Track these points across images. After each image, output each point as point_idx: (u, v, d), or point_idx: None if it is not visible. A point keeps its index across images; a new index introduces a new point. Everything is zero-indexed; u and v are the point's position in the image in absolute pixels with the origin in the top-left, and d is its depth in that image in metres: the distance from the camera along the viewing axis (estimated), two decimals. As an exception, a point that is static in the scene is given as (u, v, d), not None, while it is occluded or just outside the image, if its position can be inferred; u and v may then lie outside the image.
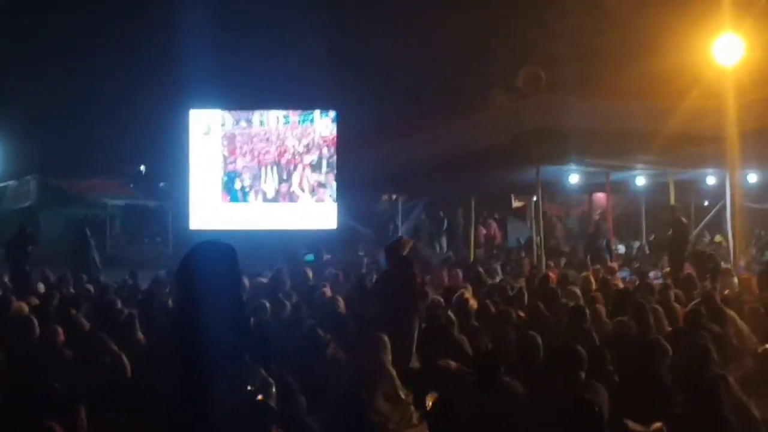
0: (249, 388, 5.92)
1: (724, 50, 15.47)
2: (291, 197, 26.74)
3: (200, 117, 26.96)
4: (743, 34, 15.48)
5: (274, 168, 26.85)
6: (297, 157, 26.83)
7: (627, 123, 20.66)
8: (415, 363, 11.91)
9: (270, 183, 26.76)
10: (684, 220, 23.58)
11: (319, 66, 30.24)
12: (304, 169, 26.79)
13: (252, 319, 8.47)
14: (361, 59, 33.17)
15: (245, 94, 29.01)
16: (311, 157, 26.82)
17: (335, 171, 26.84)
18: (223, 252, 5.81)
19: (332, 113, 26.96)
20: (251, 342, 6.00)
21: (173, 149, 27.60)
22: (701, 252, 22.18)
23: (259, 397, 6.62)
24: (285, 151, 26.85)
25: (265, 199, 26.75)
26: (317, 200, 26.69)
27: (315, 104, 27.26)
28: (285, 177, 26.80)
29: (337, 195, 26.61)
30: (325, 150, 26.85)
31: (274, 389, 8.01)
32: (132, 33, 36.33)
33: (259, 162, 26.87)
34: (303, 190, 26.73)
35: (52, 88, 36.48)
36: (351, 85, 30.35)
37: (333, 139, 26.80)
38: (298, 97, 28.53)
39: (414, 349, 12.18)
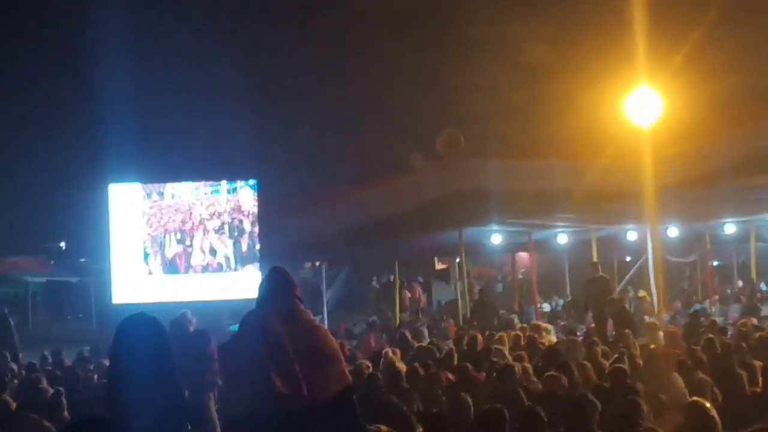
0: None
1: (639, 106, 15.69)
2: (215, 268, 26.59)
3: (119, 191, 26.79)
4: (659, 90, 15.73)
5: (177, 234, 26.71)
6: (202, 223, 26.70)
7: (547, 181, 20.90)
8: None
9: (171, 249, 26.60)
10: (604, 276, 23.86)
11: (240, 135, 30.25)
12: (206, 233, 26.64)
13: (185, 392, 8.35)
14: (282, 126, 33.25)
15: (164, 166, 28.95)
16: (215, 223, 26.71)
17: (255, 239, 26.75)
18: (146, 324, 5.77)
19: (252, 182, 26.92)
20: (185, 415, 5.92)
21: (93, 224, 27.36)
22: (621, 307, 22.42)
23: None
24: (189, 219, 26.73)
25: (189, 271, 26.56)
26: (239, 269, 26.55)
27: (235, 173, 27.21)
28: (187, 242, 26.63)
29: (260, 263, 26.49)
30: (244, 218, 26.76)
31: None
32: (50, 109, 36.11)
33: (165, 230, 26.72)
34: (225, 259, 26.60)
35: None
36: (272, 153, 30.39)
37: (253, 208, 26.73)
38: (219, 167, 28.48)
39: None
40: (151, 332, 5.72)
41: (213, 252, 26.38)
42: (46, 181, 36.21)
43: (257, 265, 26.46)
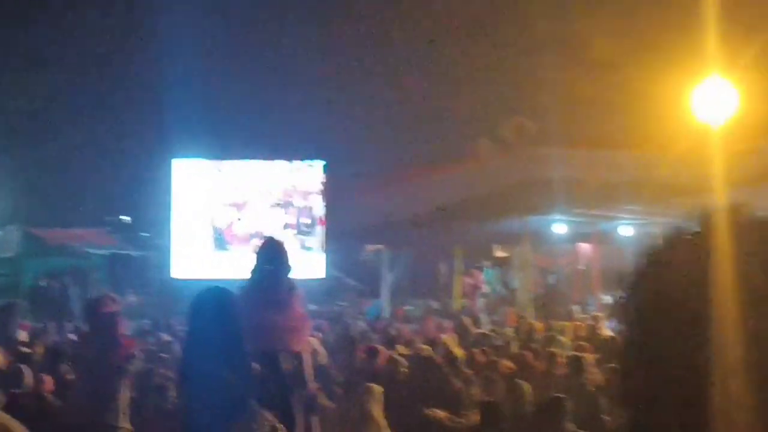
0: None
1: (710, 99, 15.48)
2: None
3: (182, 166, 26.97)
4: (733, 82, 15.51)
5: (237, 210, 26.81)
6: (275, 206, 26.79)
7: (613, 172, 20.74)
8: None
9: (231, 226, 26.75)
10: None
11: (309, 114, 30.33)
12: (268, 212, 26.71)
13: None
14: (350, 109, 33.25)
15: (230, 143, 29.04)
16: (292, 206, 26.80)
17: (321, 220, 26.83)
18: (215, 295, 5.83)
19: (321, 163, 26.99)
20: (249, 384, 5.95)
21: (156, 199, 27.60)
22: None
23: None
24: (262, 200, 26.83)
25: (246, 246, 26.66)
26: (304, 248, 26.61)
27: (303, 153, 27.31)
28: (246, 220, 26.74)
29: (325, 244, 26.58)
30: (311, 199, 26.85)
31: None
32: (114, 83, 36.36)
33: (225, 207, 26.84)
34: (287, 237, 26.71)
35: (34, 137, 36.47)
36: (339, 135, 30.43)
37: (320, 188, 26.81)
38: (286, 145, 28.57)
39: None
40: (225, 304, 5.78)
41: (275, 231, 26.48)
42: (110, 155, 36.49)
43: (321, 244, 26.55)
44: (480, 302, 29.82)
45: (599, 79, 26.67)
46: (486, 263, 33.48)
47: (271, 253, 8.59)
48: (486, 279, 32.62)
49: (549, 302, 27.54)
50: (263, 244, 9.02)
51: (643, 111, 22.26)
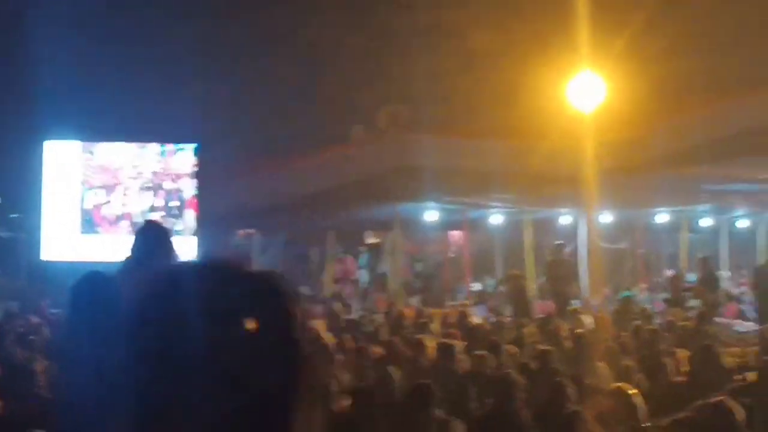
0: None
1: (581, 91, 15.70)
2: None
3: (54, 148, 26.44)
4: (602, 75, 15.77)
5: (106, 192, 26.44)
6: (133, 183, 26.44)
7: (485, 161, 20.93)
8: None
9: (100, 207, 26.36)
10: (568, 258, 24.02)
11: (183, 97, 29.92)
12: (136, 193, 26.40)
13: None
14: (224, 93, 32.92)
15: (102, 125, 28.53)
16: (161, 189, 26.45)
17: (192, 204, 26.53)
18: (103, 285, 5.70)
19: (192, 146, 26.67)
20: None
21: (27, 180, 27.03)
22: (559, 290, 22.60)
23: None
24: (132, 182, 26.46)
25: (117, 230, 26.29)
26: (173, 232, 26.24)
27: (175, 136, 26.97)
28: (115, 202, 26.38)
29: (196, 228, 26.29)
30: (181, 182, 26.52)
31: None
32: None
33: (93, 188, 26.43)
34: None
35: None
36: (213, 118, 30.09)
37: (192, 171, 26.49)
38: (158, 128, 28.17)
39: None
40: (110, 294, 5.64)
41: (143, 214, 26.13)
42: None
43: (191, 228, 26.29)
44: (351, 289, 29.90)
45: (475, 69, 26.91)
46: (361, 249, 33.60)
47: (150, 237, 8.22)
48: (360, 265, 32.74)
49: (419, 289, 27.78)
50: (141, 227, 8.63)
51: (516, 102, 22.53)
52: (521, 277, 23.85)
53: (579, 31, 16.04)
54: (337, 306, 20.86)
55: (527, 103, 20.76)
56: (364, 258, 33.26)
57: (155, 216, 25.40)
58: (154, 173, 26.48)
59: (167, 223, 26.09)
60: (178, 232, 26.10)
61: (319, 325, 15.58)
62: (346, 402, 9.87)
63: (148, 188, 26.49)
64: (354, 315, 20.07)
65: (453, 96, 26.48)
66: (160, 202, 26.44)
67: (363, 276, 32.90)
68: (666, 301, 24.62)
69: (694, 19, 24.17)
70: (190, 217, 26.42)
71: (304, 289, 27.93)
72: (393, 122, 23.16)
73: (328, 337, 14.41)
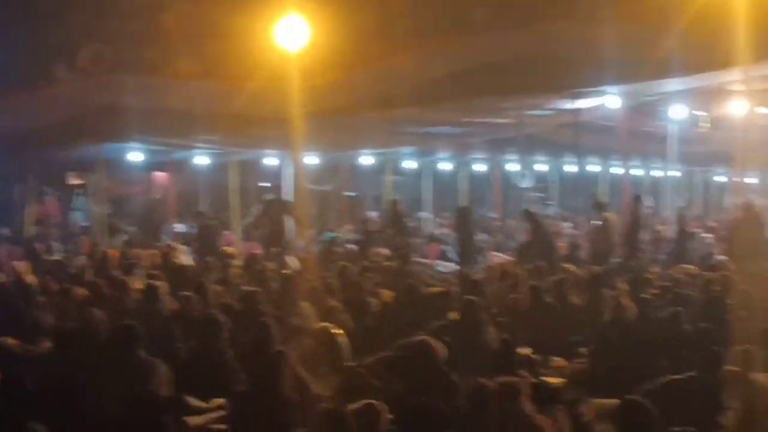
0: None
1: (287, 33, 15.79)
2: None
3: None
4: (307, 17, 15.89)
5: None
6: None
7: (189, 101, 20.78)
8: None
9: None
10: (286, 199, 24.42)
11: None
12: None
13: None
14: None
15: None
16: None
17: None
18: None
19: None
20: None
21: None
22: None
23: None
24: None
25: None
26: None
27: None
28: None
29: None
30: None
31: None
32: None
33: None
34: None
35: None
36: None
37: None
38: None
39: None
40: None
41: None
42: None
43: None
44: (54, 230, 29.24)
45: (180, 7, 26.61)
46: (76, 192, 32.91)
47: None
48: (72, 207, 32.12)
49: (124, 231, 27.50)
50: None
51: (222, 43, 22.44)
52: (208, 217, 24.20)
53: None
54: (39, 247, 20.42)
55: (233, 43, 20.71)
56: (78, 200, 32.63)
57: None
58: None
59: None
60: None
61: (23, 267, 15.28)
62: (47, 343, 9.81)
63: None
64: (57, 256, 19.71)
65: (157, 35, 26.09)
66: None
67: (77, 217, 32.28)
68: (356, 243, 24.99)
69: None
70: None
71: (5, 231, 27.16)
72: (95, 61, 22.65)
73: (32, 279, 14.19)
